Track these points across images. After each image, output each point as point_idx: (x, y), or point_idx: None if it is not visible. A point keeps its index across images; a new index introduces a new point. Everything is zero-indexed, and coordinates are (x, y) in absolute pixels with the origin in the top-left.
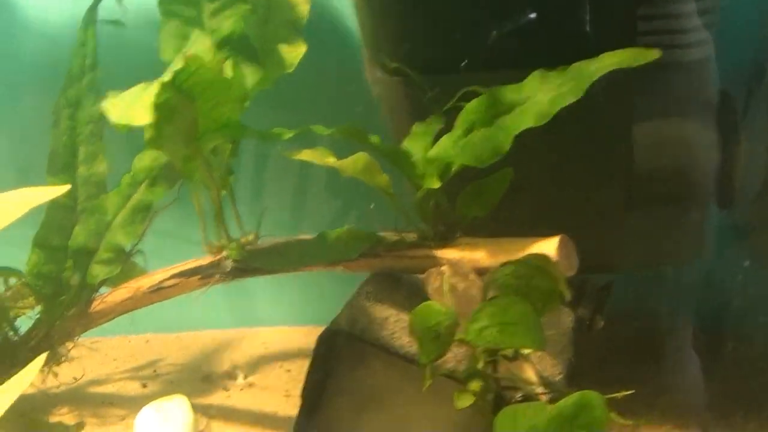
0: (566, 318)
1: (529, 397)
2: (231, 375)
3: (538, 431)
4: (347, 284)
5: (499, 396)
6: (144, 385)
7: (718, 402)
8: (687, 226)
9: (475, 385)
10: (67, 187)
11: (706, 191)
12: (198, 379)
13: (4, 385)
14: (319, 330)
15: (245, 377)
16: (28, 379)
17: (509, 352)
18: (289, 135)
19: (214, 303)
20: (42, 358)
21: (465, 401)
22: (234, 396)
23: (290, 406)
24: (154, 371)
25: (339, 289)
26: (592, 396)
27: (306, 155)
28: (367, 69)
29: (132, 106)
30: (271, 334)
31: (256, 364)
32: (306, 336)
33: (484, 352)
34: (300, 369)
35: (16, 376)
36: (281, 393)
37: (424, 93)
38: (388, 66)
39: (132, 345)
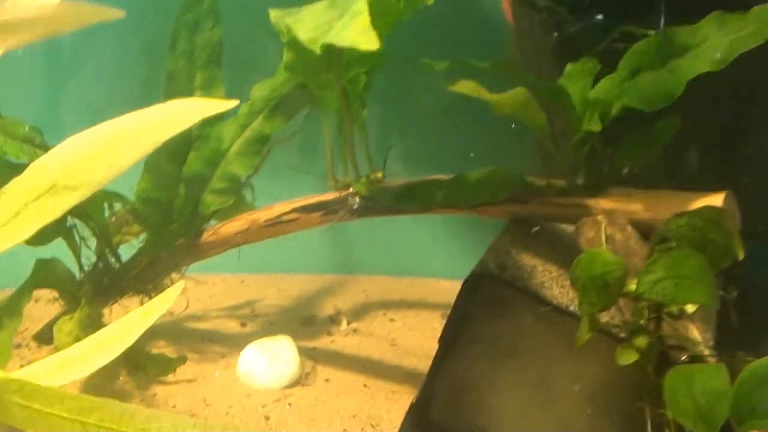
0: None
1: (696, 359)
2: (334, 320)
3: (720, 394)
4: (447, 234)
5: (664, 355)
6: (243, 325)
7: None
8: None
9: (641, 340)
10: (235, 102)
11: None
12: (298, 321)
13: (145, 306)
14: (421, 282)
15: (349, 323)
16: (168, 302)
17: (674, 309)
18: (442, 66)
19: (311, 247)
20: (180, 284)
21: (628, 357)
22: (338, 341)
23: (398, 355)
24: (252, 311)
25: (440, 239)
26: None
27: (463, 87)
28: (507, 3)
29: (341, 30)
30: (372, 282)
31: (358, 311)
32: (407, 287)
33: (648, 307)
34: (405, 319)
35: (154, 299)
36: (387, 341)
37: (572, 31)
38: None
39: (227, 284)
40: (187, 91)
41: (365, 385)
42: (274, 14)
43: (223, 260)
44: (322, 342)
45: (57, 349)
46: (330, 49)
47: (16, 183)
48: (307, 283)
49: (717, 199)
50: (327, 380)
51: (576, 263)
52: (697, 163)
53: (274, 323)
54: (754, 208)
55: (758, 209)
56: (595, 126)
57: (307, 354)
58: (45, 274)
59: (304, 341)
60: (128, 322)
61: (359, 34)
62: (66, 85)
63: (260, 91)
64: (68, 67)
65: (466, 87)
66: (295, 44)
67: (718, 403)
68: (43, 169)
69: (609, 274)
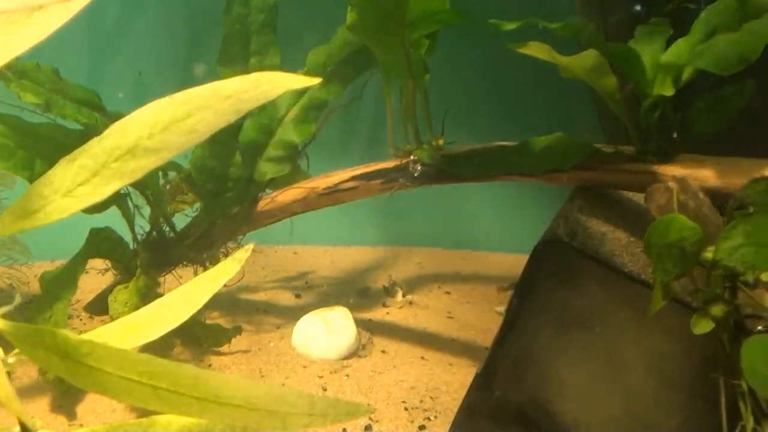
0: None
1: None
2: (389, 291)
3: None
4: (505, 207)
5: (740, 324)
6: (298, 296)
7: None
8: None
9: (718, 309)
10: (318, 79)
11: None
12: (353, 293)
13: (208, 272)
14: (476, 255)
15: (404, 295)
16: (237, 264)
17: (750, 277)
18: (510, 27)
19: (363, 218)
20: (249, 247)
21: (704, 326)
22: (394, 312)
23: (454, 328)
24: (306, 282)
25: (494, 212)
26: None
27: (534, 49)
28: None
29: None
30: (426, 254)
31: (413, 284)
32: (462, 260)
33: (724, 276)
34: (460, 292)
35: (220, 264)
36: (443, 314)
37: None
38: None
39: (279, 255)
40: (242, 56)
41: (422, 357)
42: None
43: (272, 232)
44: (378, 313)
45: (112, 319)
46: (395, 8)
47: (97, 142)
48: (359, 255)
49: None
50: (384, 351)
51: (651, 229)
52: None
53: (329, 294)
54: None
55: None
56: (668, 90)
57: (363, 325)
58: (98, 244)
59: (359, 313)
60: (192, 289)
61: None
62: (116, 52)
63: (316, 57)
64: (118, 36)
65: (536, 49)
66: (359, 4)
67: None
68: (125, 130)
69: (686, 240)
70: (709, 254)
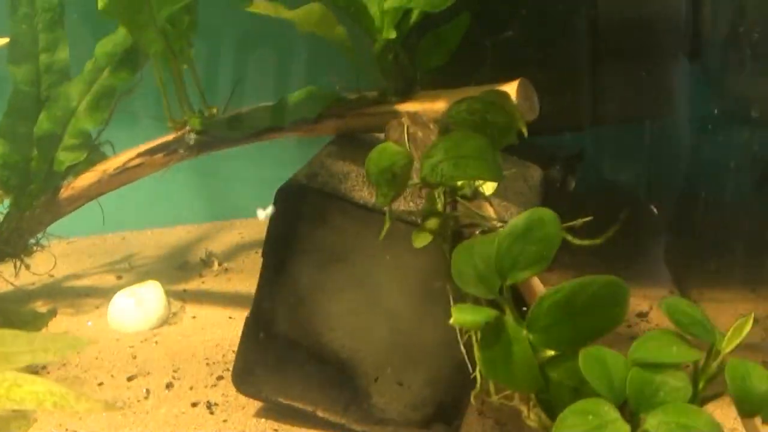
0: (535, 173)
1: (487, 233)
2: (206, 262)
3: (491, 257)
4: None
5: (458, 234)
6: (119, 277)
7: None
8: (660, 80)
9: (432, 222)
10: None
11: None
12: (173, 268)
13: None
14: None
15: (220, 264)
16: None
17: (468, 191)
18: None
19: (187, 199)
20: None
21: (422, 240)
22: (209, 281)
23: None
24: (129, 264)
25: None
26: (545, 212)
27: (259, 7)
28: None
29: None
30: (247, 225)
31: (232, 253)
32: None
33: (444, 193)
34: None
35: None
36: (256, 275)
37: None
38: None
39: (108, 243)
40: (33, 55)
41: (230, 317)
42: None
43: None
44: (194, 284)
45: None
46: None
47: None
48: (184, 232)
49: (512, 86)
50: (194, 317)
51: (368, 159)
52: (502, 59)
53: (149, 272)
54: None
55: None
56: (392, 33)
57: (177, 296)
58: None
59: (175, 285)
60: None
61: None
62: None
63: (103, 47)
64: None
65: (262, 7)
66: None
67: (494, 265)
68: None
69: (395, 164)
70: None
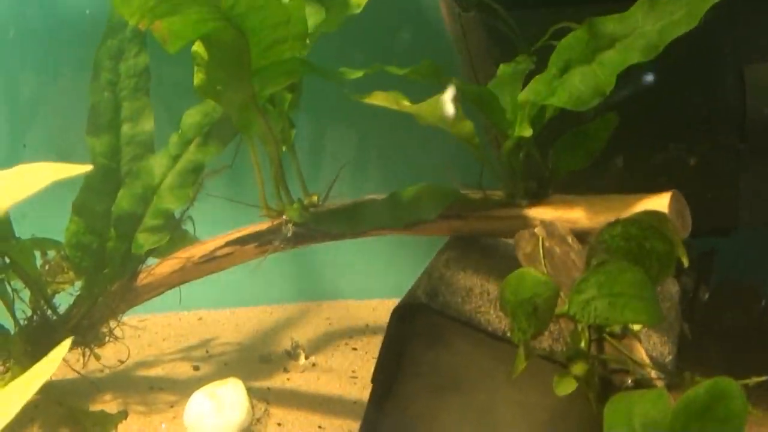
0: (672, 288)
1: (641, 382)
2: (291, 354)
3: (660, 425)
4: (422, 252)
5: (606, 380)
6: (196, 368)
7: None
8: None
9: (579, 367)
10: (89, 167)
11: None
12: (255, 359)
13: (30, 371)
14: (391, 304)
15: (307, 357)
16: (53, 364)
17: (617, 328)
18: (356, 75)
19: (270, 276)
20: (68, 342)
21: (567, 387)
22: (295, 378)
23: (357, 389)
24: (207, 351)
25: (413, 258)
26: (729, 384)
27: (378, 98)
28: (443, 4)
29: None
30: (335, 308)
31: (318, 343)
32: (374, 311)
33: (589, 329)
34: (368, 347)
35: (42, 360)
36: (347, 374)
37: (510, 30)
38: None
39: (183, 323)
40: (114, 124)
41: (320, 427)
42: None
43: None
44: (278, 381)
45: None
46: (237, 60)
47: None
48: (265, 315)
49: (662, 201)
50: (280, 424)
51: (504, 285)
52: (644, 163)
53: (229, 363)
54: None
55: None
56: (526, 130)
57: (261, 396)
58: None
59: (258, 381)
60: (3, 398)
61: None
62: None
63: (191, 117)
64: None
65: (380, 98)
66: (204, 62)
67: None
68: None
69: (538, 296)
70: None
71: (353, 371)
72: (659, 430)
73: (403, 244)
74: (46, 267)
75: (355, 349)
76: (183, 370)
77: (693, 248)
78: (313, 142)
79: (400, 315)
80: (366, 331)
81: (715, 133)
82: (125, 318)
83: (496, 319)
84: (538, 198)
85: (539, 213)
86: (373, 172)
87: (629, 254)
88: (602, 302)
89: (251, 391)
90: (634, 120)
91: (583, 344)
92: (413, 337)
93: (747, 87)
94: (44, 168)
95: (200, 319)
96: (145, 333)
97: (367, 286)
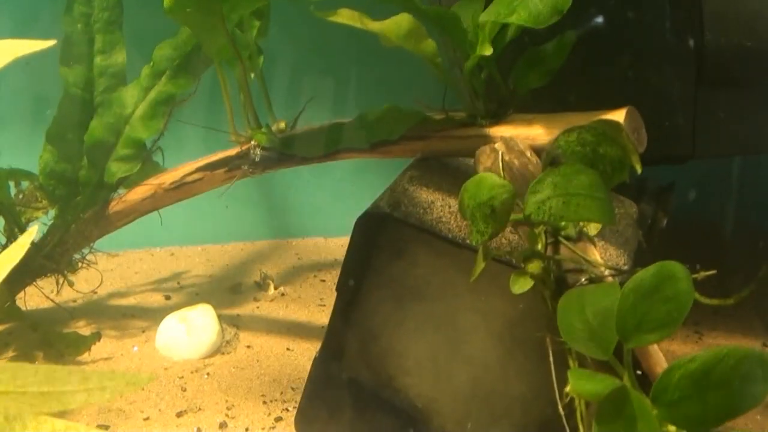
0: (630, 208)
1: (595, 281)
2: (261, 285)
3: (611, 312)
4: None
5: (561, 279)
6: (167, 297)
7: None
8: None
9: (535, 266)
10: (52, 42)
11: None
12: (225, 290)
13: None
14: None
15: (276, 288)
16: (22, 249)
17: (571, 231)
18: None
19: (242, 215)
20: (35, 228)
21: (523, 285)
22: (264, 306)
23: (324, 315)
24: (178, 283)
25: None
26: (675, 266)
27: (342, 16)
28: None
29: None
30: (305, 246)
31: (288, 275)
32: (342, 248)
33: (545, 232)
34: (336, 279)
35: (11, 246)
36: (315, 302)
37: None
38: None
39: (155, 258)
40: (88, 57)
41: (288, 348)
42: None
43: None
44: (248, 309)
45: None
46: None
47: None
48: (237, 250)
49: (619, 115)
50: (249, 347)
51: (463, 191)
52: (602, 88)
53: (200, 294)
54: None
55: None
56: (487, 49)
57: (231, 321)
58: None
59: (228, 309)
60: None
61: None
62: None
63: (162, 50)
64: None
65: (345, 16)
66: None
67: (610, 322)
68: None
69: (495, 198)
70: None
71: (321, 299)
72: (611, 316)
73: (370, 186)
74: (20, 196)
75: (323, 280)
76: (155, 299)
77: (650, 180)
78: (284, 74)
79: (363, 224)
80: (334, 264)
81: (673, 61)
82: (101, 253)
83: (457, 229)
84: (499, 117)
85: (500, 131)
86: (348, 105)
87: (584, 158)
88: (557, 201)
89: (221, 318)
90: (593, 46)
91: (539, 246)
92: (376, 248)
93: (704, 16)
94: (7, 44)
95: (172, 254)
96: (118, 267)
97: (335, 225)
